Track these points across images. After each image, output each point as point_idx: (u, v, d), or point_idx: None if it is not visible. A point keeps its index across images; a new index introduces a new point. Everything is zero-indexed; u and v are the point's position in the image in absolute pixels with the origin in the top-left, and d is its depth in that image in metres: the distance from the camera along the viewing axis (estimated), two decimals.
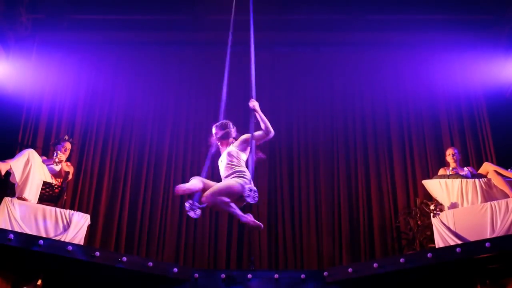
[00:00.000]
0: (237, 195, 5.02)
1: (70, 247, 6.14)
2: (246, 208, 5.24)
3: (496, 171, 6.78)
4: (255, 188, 4.98)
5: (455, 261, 6.14)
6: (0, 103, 8.11)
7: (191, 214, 4.94)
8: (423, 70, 8.98)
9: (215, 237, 8.15)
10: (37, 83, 8.58)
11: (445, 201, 6.88)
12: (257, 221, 5.23)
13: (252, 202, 5.01)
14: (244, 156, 5.32)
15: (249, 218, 5.18)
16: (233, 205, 5.07)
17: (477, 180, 6.78)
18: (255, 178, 8.24)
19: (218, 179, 5.21)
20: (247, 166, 5.22)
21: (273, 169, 8.63)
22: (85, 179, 8.31)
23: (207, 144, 8.41)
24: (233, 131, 5.52)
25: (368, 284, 6.63)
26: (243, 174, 5.12)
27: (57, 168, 7.20)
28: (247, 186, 4.97)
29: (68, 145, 7.45)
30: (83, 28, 8.80)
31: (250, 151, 5.23)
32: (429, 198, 7.45)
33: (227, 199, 5.01)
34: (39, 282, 6.32)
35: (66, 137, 7.64)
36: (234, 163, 5.22)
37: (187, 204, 4.88)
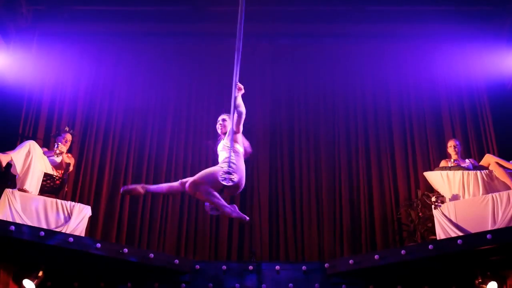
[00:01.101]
0: (218, 182, 5.00)
1: (71, 239, 6.14)
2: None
3: (497, 163, 6.77)
4: (231, 170, 4.96)
5: (456, 253, 6.14)
6: (1, 95, 8.09)
7: None
8: (424, 62, 8.93)
9: (216, 228, 8.14)
10: (37, 75, 8.53)
11: (446, 193, 6.88)
12: (241, 213, 5.16)
13: (228, 184, 4.97)
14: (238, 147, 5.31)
15: (232, 209, 5.13)
16: (216, 194, 5.03)
17: (478, 172, 6.77)
18: (256, 171, 8.37)
19: None
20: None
21: (274, 160, 8.61)
22: (86, 170, 8.30)
23: (208, 135, 8.40)
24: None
25: (369, 275, 6.63)
26: (227, 161, 5.10)
27: (58, 159, 7.20)
28: (223, 169, 4.95)
29: (69, 137, 7.45)
30: (84, 20, 8.75)
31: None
32: (431, 189, 7.44)
33: (208, 188, 4.97)
34: (40, 273, 6.32)
35: (67, 129, 7.64)
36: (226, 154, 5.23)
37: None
